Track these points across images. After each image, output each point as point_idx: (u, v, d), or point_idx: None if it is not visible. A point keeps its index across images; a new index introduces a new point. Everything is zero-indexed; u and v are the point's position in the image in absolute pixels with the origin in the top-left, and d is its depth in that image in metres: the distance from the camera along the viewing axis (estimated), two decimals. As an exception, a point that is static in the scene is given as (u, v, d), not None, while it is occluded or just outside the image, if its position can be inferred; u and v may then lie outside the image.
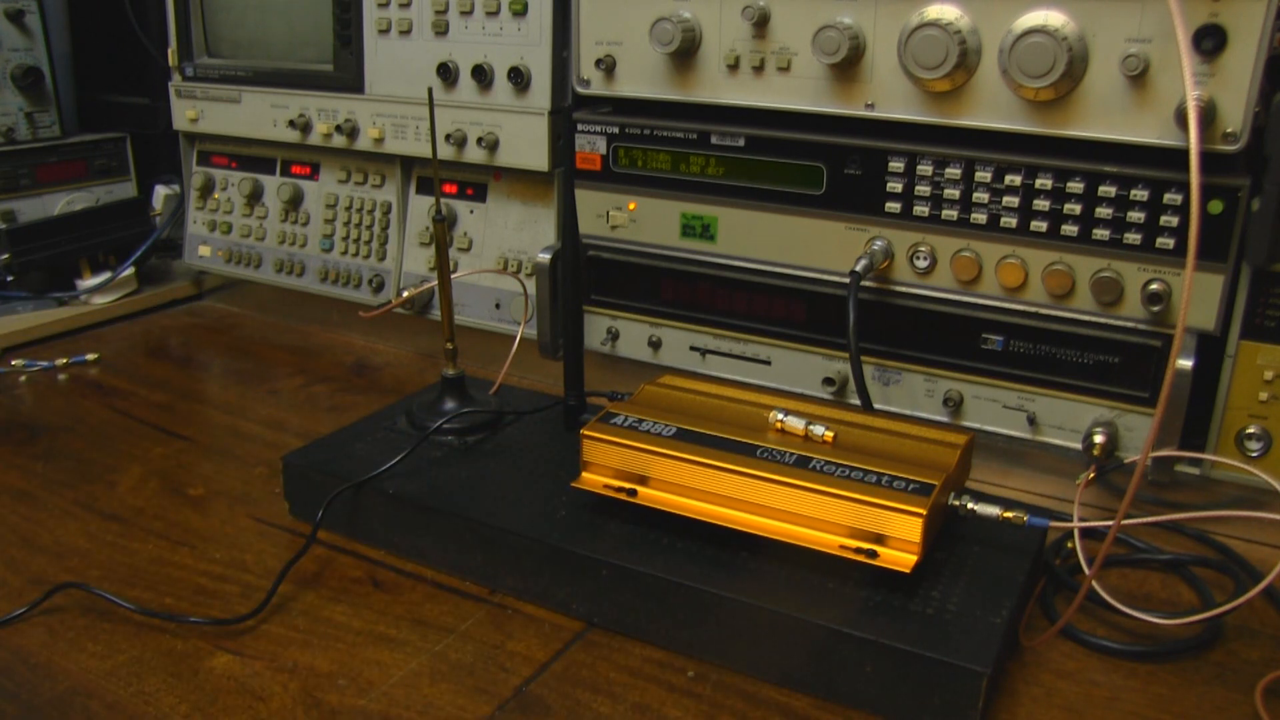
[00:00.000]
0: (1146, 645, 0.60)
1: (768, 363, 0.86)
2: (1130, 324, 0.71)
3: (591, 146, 0.87)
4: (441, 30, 0.94)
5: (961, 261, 0.75)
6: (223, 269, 1.18)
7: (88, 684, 0.56)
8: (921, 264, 0.76)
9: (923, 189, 0.75)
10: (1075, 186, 0.70)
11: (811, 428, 0.65)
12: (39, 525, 0.72)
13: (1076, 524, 0.61)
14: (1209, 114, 0.64)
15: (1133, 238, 0.69)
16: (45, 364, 1.02)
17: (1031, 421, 0.76)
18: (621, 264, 0.89)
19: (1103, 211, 0.69)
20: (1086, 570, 0.58)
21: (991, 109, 0.71)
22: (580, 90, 0.86)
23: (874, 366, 0.81)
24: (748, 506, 0.61)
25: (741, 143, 0.81)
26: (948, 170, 0.74)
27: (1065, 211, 0.70)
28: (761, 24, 0.77)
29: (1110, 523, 0.54)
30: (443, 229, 0.75)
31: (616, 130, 0.86)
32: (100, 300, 1.16)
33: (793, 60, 0.77)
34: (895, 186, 0.76)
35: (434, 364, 1.04)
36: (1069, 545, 0.68)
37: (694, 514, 0.61)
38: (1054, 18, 0.66)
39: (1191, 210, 0.59)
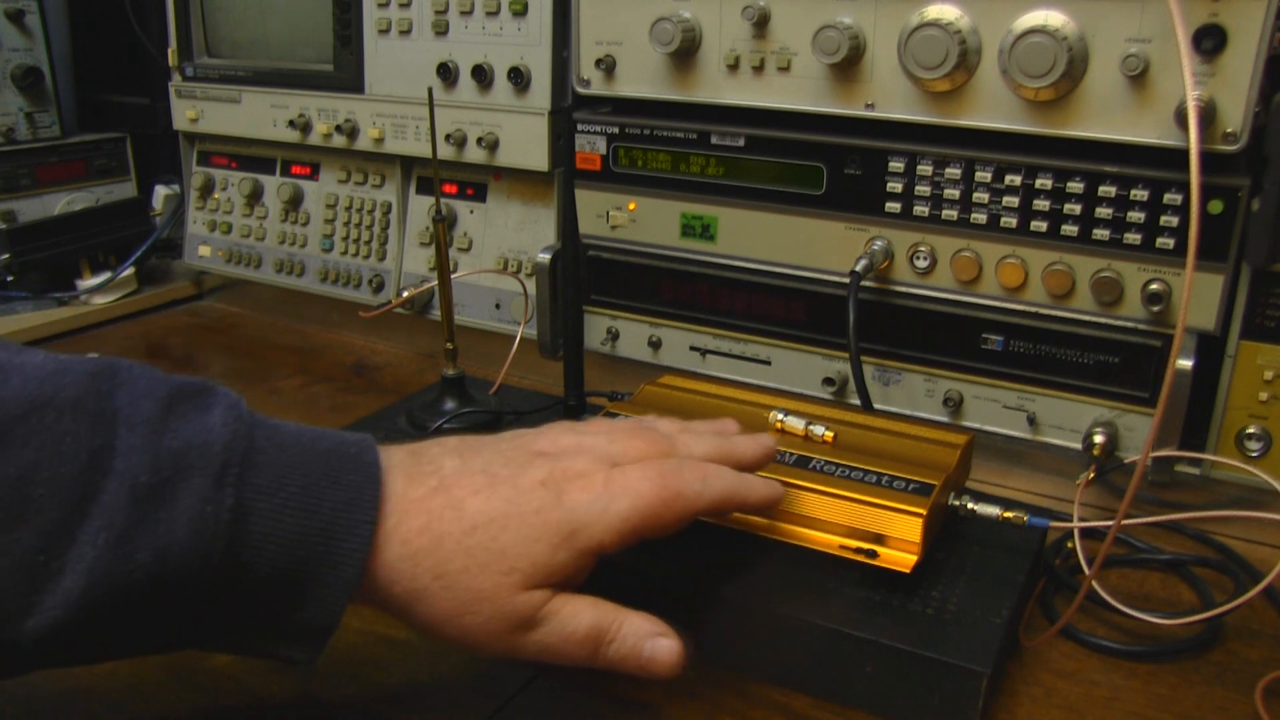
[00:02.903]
0: (1146, 645, 0.60)
1: (768, 363, 0.86)
2: (1130, 324, 0.71)
3: (591, 146, 0.87)
4: (441, 30, 0.94)
5: (961, 261, 0.75)
6: (223, 269, 1.18)
7: (88, 684, 0.56)
8: (921, 264, 0.76)
9: (923, 189, 0.75)
10: (1075, 186, 0.70)
11: (811, 428, 0.65)
12: (39, 525, 0.72)
13: (1076, 524, 0.61)
14: (1209, 114, 0.64)
15: (1133, 238, 0.69)
16: (45, 364, 1.01)
17: (1031, 421, 0.76)
18: (621, 264, 0.89)
19: (1103, 211, 0.69)
20: (1086, 570, 0.58)
21: (991, 109, 0.71)
22: (580, 90, 0.86)
23: (874, 366, 0.81)
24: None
25: (741, 143, 0.81)
26: (948, 170, 0.74)
27: (1065, 211, 0.70)
28: (761, 24, 0.77)
29: (1110, 523, 0.54)
30: (443, 229, 0.75)
31: (616, 130, 0.86)
32: (100, 300, 1.16)
33: (793, 60, 0.77)
34: (895, 186, 0.76)
35: (434, 364, 1.04)
36: (1069, 545, 0.68)
37: (694, 514, 0.61)
38: (1054, 18, 0.66)
39: (1191, 210, 0.59)
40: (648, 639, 0.49)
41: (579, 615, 0.48)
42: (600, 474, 0.49)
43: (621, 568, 0.60)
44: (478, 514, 0.46)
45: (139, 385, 0.42)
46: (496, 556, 0.46)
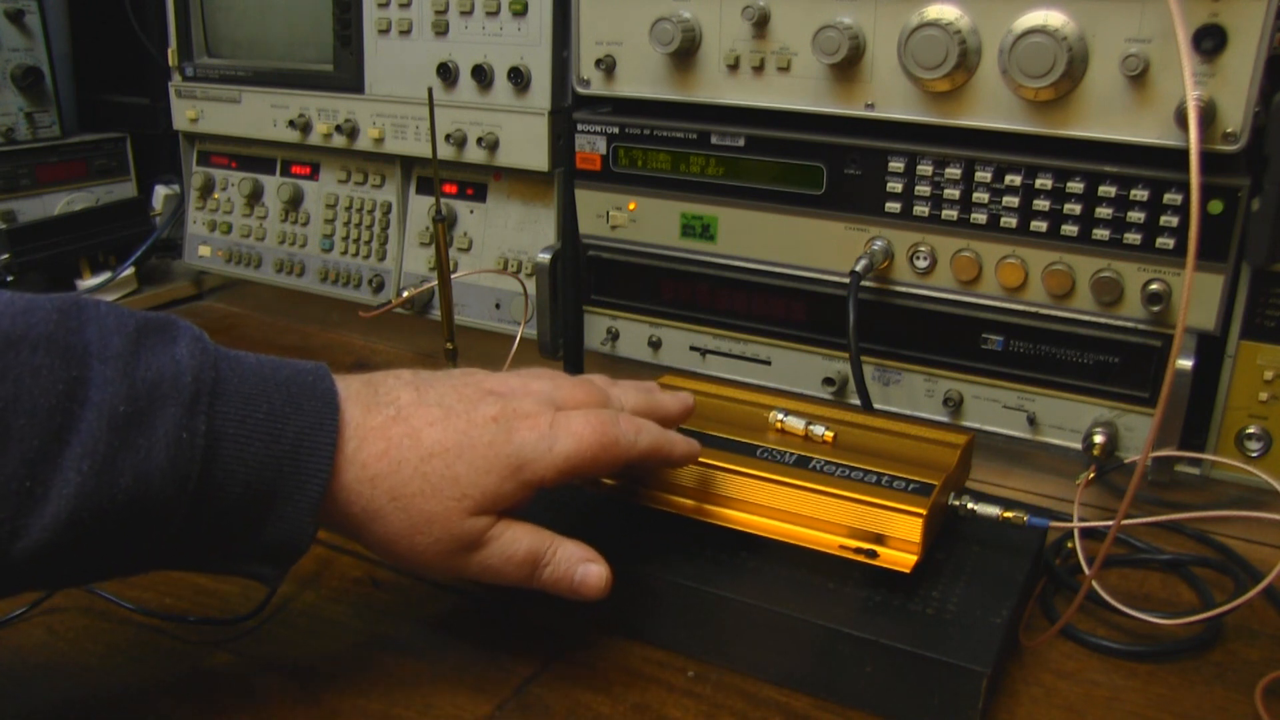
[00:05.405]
0: (1146, 645, 0.60)
1: (768, 363, 0.86)
2: (1130, 324, 0.71)
3: (591, 146, 0.87)
4: (441, 30, 0.94)
5: (961, 261, 0.75)
6: (223, 269, 1.18)
7: (88, 684, 0.56)
8: (921, 264, 0.76)
9: (923, 189, 0.75)
10: (1075, 186, 0.70)
11: (811, 428, 0.65)
12: (39, 525, 0.72)
13: (1076, 524, 0.61)
14: (1209, 114, 0.64)
15: (1133, 238, 0.69)
16: (45, 364, 1.01)
17: (1031, 421, 0.76)
18: (621, 264, 0.89)
19: (1103, 211, 0.69)
20: (1086, 570, 0.58)
21: (991, 109, 0.71)
22: (580, 90, 0.86)
23: (874, 366, 0.81)
24: (748, 506, 0.61)
25: (741, 143, 0.81)
26: (948, 170, 0.74)
27: (1065, 211, 0.71)
28: (761, 24, 0.77)
29: (1110, 523, 0.54)
30: (443, 229, 0.75)
31: (616, 130, 0.86)
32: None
33: (793, 60, 0.77)
34: (895, 186, 0.76)
35: (434, 364, 1.03)
36: (1069, 545, 0.68)
37: (694, 514, 0.61)
38: (1054, 18, 0.66)
39: (1191, 210, 0.59)
40: (579, 564, 0.53)
41: (519, 540, 0.52)
42: (546, 416, 0.53)
43: (625, 568, 0.60)
44: (434, 443, 0.50)
45: (107, 321, 0.44)
46: (450, 483, 0.50)
